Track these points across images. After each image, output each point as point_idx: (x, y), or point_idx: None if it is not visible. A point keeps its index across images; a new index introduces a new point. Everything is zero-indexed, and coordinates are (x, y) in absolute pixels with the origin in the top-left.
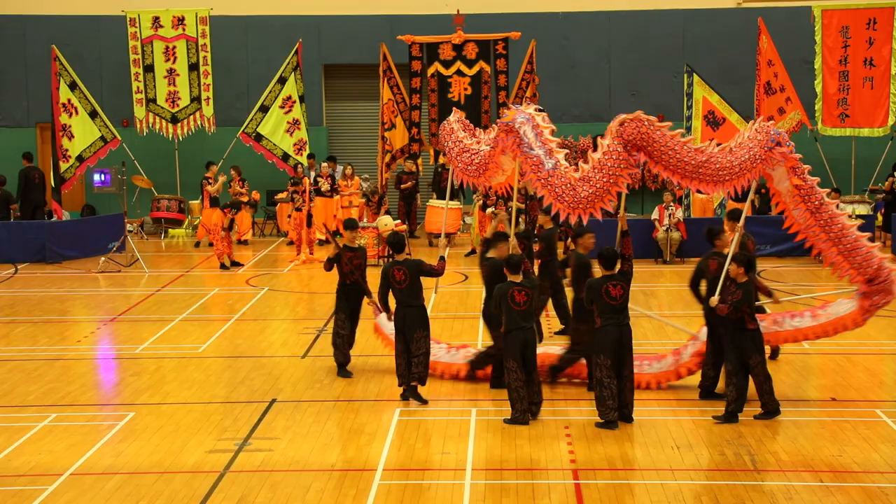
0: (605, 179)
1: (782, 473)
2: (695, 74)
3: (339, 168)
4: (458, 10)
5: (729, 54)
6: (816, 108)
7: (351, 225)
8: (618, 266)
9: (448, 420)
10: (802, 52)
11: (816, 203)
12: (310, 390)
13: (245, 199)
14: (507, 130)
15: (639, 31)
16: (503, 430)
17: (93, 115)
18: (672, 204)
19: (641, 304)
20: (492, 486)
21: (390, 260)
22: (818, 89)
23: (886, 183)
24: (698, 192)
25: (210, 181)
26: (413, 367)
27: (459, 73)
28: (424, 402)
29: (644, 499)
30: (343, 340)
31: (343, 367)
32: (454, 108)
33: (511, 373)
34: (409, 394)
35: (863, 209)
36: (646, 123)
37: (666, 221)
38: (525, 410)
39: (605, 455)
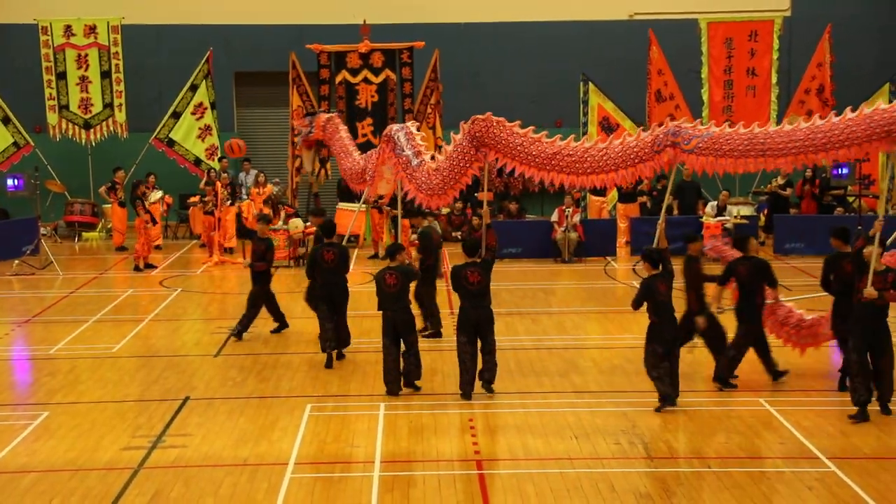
0: (453, 170)
1: (673, 460)
2: (590, 83)
3: (253, 172)
4: (364, 20)
5: (622, 64)
6: (703, 114)
7: (264, 219)
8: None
9: (357, 415)
10: (690, 62)
11: None
12: (223, 388)
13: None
14: (386, 139)
15: (538, 42)
16: (410, 423)
17: (5, 121)
18: (571, 207)
19: (541, 303)
20: (399, 477)
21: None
22: (705, 97)
23: (769, 185)
24: (561, 185)
25: (118, 186)
26: (409, 365)
27: (366, 80)
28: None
29: (544, 487)
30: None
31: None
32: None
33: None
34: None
35: (747, 210)
36: (493, 123)
37: (565, 223)
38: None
39: (507, 446)
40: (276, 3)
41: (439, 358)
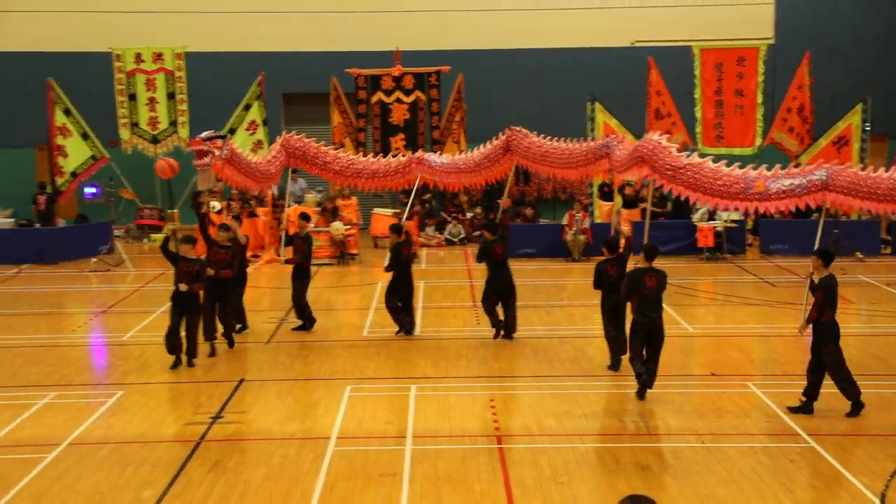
0: (485, 158)
1: (671, 437)
2: (596, 102)
3: (300, 182)
4: (397, 47)
5: (624, 85)
6: (697, 130)
7: (304, 217)
8: None
9: (391, 395)
10: (685, 84)
11: None
12: (273, 371)
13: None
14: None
15: (549, 66)
16: (438, 403)
17: (84, 136)
18: (580, 212)
19: (553, 297)
20: (428, 450)
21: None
22: (698, 115)
23: None
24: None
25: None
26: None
27: (399, 100)
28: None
29: (556, 459)
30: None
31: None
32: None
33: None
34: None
35: (735, 214)
36: (304, 142)
37: (574, 226)
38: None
39: (523, 424)
40: (319, 32)
41: (464, 345)
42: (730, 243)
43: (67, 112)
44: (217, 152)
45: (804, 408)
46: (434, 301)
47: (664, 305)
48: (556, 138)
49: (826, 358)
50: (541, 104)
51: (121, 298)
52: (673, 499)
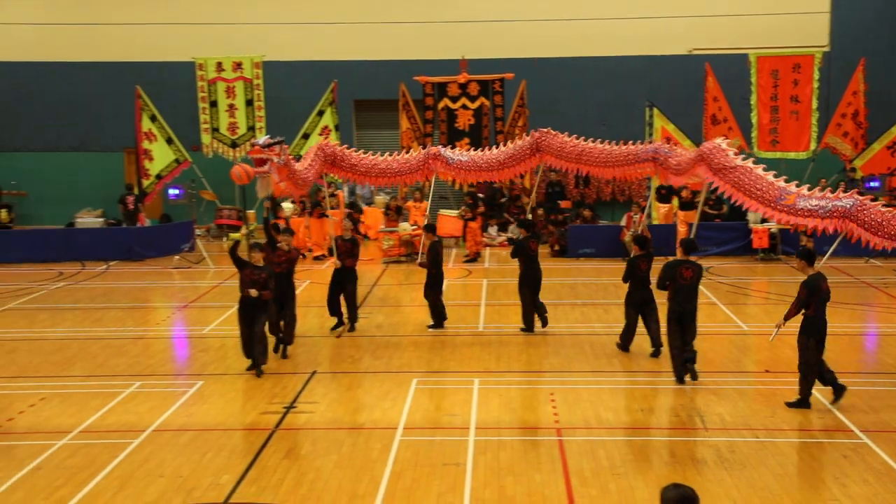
0: (511, 156)
1: (726, 431)
2: (655, 108)
3: (368, 187)
4: (463, 56)
5: (682, 92)
6: (752, 135)
7: (350, 217)
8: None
9: (455, 388)
10: (741, 90)
11: None
12: (343, 364)
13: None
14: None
15: (608, 73)
16: (500, 396)
17: (169, 141)
18: (638, 213)
19: (612, 295)
20: (491, 441)
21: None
22: (754, 120)
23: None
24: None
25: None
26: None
27: (464, 107)
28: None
29: (613, 452)
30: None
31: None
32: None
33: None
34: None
35: None
36: (335, 147)
37: (632, 227)
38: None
39: (582, 417)
40: (388, 41)
41: (525, 341)
42: (784, 245)
43: (153, 118)
44: (276, 159)
45: (837, 393)
46: (496, 298)
47: (721, 304)
48: (594, 140)
49: (800, 348)
50: (600, 110)
51: (201, 294)
52: (727, 491)
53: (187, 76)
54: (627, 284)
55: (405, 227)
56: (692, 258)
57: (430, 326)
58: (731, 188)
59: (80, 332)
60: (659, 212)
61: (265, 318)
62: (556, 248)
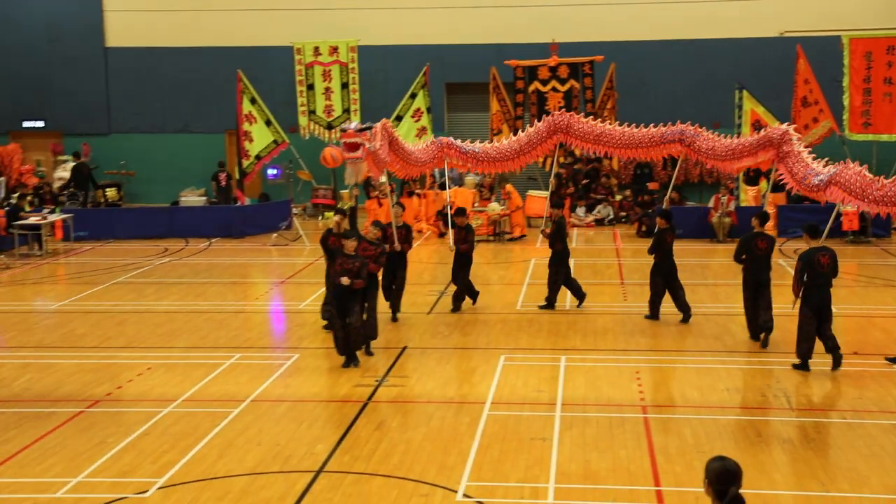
0: (527, 143)
1: (812, 412)
2: (744, 90)
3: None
4: (553, 39)
5: (772, 74)
6: (844, 118)
7: (461, 212)
8: None
9: (542, 365)
10: (833, 72)
11: None
12: (433, 340)
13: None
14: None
15: (699, 56)
16: (586, 374)
17: (268, 123)
18: (726, 195)
19: (698, 276)
20: (577, 417)
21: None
22: (846, 103)
23: None
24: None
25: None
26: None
27: (554, 89)
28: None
29: (699, 430)
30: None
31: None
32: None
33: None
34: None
35: None
36: (570, 116)
37: (720, 209)
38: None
39: (667, 395)
40: (480, 25)
41: (611, 320)
42: (875, 227)
43: (253, 101)
44: (368, 144)
45: (835, 361)
46: (584, 278)
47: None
48: (630, 125)
49: (798, 315)
50: (690, 92)
51: (298, 270)
52: (814, 472)
53: (286, 60)
54: (653, 256)
55: (494, 208)
56: (765, 230)
57: (541, 306)
58: (784, 169)
59: (184, 305)
60: (747, 194)
61: (360, 308)
62: (643, 228)
